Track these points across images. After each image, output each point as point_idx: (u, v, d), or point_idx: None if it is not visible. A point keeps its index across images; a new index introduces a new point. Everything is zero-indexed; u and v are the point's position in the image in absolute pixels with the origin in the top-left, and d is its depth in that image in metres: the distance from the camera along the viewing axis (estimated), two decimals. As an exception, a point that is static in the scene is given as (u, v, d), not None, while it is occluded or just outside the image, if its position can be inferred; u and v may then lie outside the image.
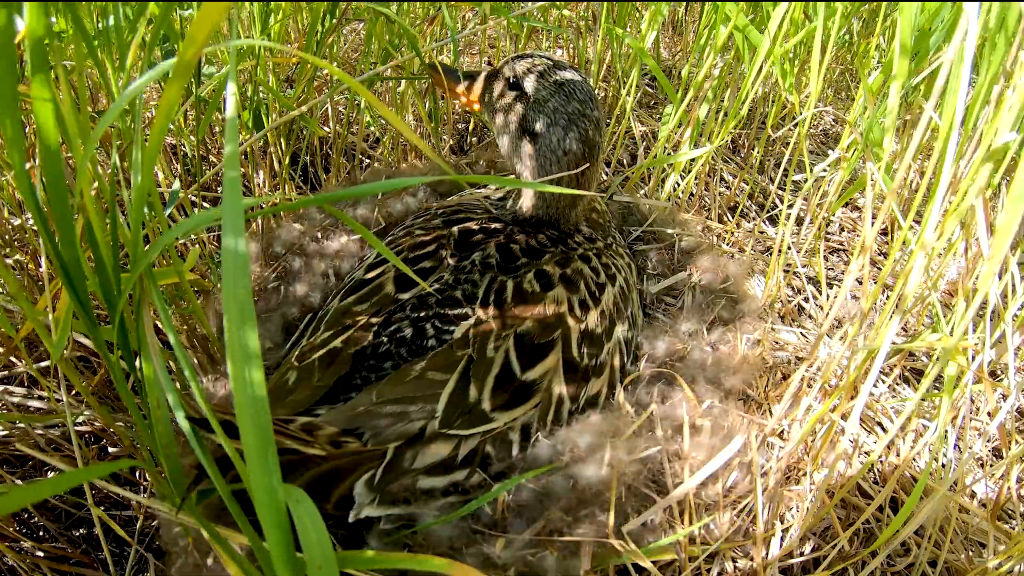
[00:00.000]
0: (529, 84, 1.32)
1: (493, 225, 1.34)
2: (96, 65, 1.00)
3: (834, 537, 1.18)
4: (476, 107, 1.48)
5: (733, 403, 1.25)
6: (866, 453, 1.38)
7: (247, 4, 1.57)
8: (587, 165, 1.33)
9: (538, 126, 1.31)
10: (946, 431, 1.20)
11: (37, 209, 0.69)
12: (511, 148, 1.39)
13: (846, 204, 2.11)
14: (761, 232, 1.95)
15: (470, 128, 2.17)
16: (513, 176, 1.44)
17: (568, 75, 1.32)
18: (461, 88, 1.49)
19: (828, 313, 1.51)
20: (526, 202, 1.40)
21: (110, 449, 1.32)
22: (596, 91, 1.38)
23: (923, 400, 1.48)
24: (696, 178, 1.87)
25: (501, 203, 1.47)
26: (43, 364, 1.32)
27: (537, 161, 1.32)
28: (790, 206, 1.95)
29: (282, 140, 1.73)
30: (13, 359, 1.34)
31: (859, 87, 1.55)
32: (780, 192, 2.08)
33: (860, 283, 1.71)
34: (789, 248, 1.79)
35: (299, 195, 1.90)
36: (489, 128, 1.92)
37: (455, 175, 0.79)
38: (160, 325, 0.73)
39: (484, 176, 0.98)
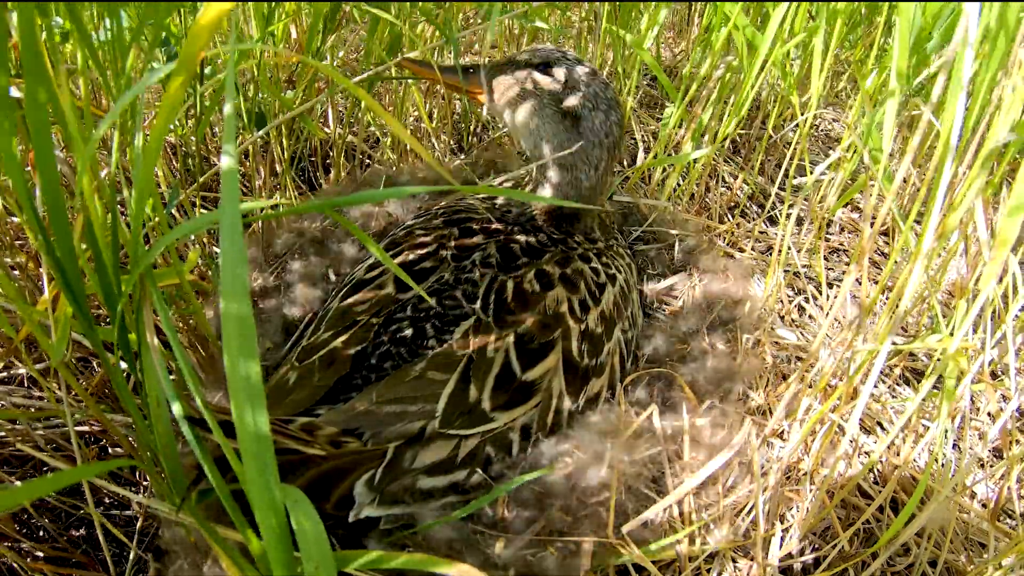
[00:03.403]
0: (562, 70, 1.35)
1: (493, 225, 1.33)
2: (97, 66, 1.00)
3: (834, 537, 1.18)
4: (479, 97, 1.46)
5: (733, 403, 1.25)
6: (866, 454, 1.38)
7: (248, 5, 1.57)
8: (618, 152, 1.38)
9: (581, 109, 1.34)
10: (946, 431, 1.20)
11: (33, 210, 0.69)
12: (542, 130, 1.37)
13: (846, 204, 2.10)
14: (761, 232, 1.95)
15: (471, 128, 2.17)
16: (528, 160, 1.43)
17: (590, 67, 1.38)
18: (453, 79, 1.47)
19: (828, 314, 1.51)
20: (552, 185, 1.39)
21: (110, 449, 1.32)
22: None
23: (923, 401, 1.48)
24: (697, 178, 1.87)
25: (505, 204, 1.45)
26: (43, 364, 1.32)
27: (579, 142, 1.34)
28: (790, 206, 1.95)
29: (282, 140, 1.73)
30: (13, 359, 1.34)
31: (858, 87, 1.55)
32: (780, 193, 2.08)
33: (860, 283, 1.71)
34: (789, 248, 1.78)
35: (299, 196, 1.90)
36: (498, 117, 1.91)
37: (460, 187, 0.79)
38: (160, 325, 0.73)
39: (493, 188, 0.98)
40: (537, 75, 1.36)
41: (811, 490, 1.19)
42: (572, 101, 1.33)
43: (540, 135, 1.37)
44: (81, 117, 0.78)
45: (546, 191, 1.39)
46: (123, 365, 0.91)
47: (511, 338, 1.09)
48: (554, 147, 1.36)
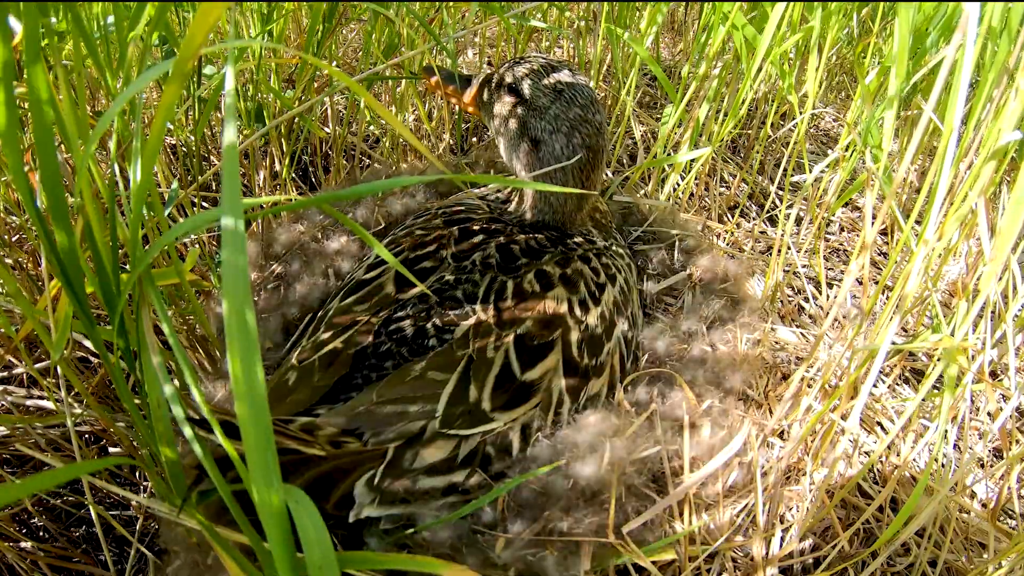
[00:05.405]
0: (528, 90, 1.32)
1: (493, 225, 1.34)
2: (95, 64, 1.00)
3: (834, 537, 1.18)
4: (471, 109, 1.48)
5: (733, 403, 1.24)
6: (866, 453, 1.38)
7: (247, 3, 1.57)
8: (591, 170, 1.33)
9: (540, 133, 1.31)
10: (946, 431, 1.20)
11: (35, 210, 0.69)
12: (511, 154, 1.38)
13: (846, 204, 2.11)
14: (761, 232, 1.95)
15: (471, 128, 2.17)
16: (513, 178, 1.44)
17: (569, 79, 1.32)
18: (452, 88, 1.49)
19: (828, 313, 1.51)
20: (527, 207, 1.40)
21: (110, 449, 1.32)
22: (596, 91, 1.37)
23: (923, 400, 1.48)
24: (696, 178, 1.87)
25: (503, 205, 1.46)
26: (43, 364, 1.31)
27: (540, 168, 1.32)
28: (790, 206, 1.95)
29: (282, 140, 1.73)
30: (13, 359, 1.34)
31: (858, 87, 1.55)
32: (780, 192, 2.08)
33: (860, 283, 1.71)
34: (789, 248, 1.78)
35: (299, 195, 1.89)
36: (488, 128, 1.91)
37: (454, 175, 0.79)
38: (160, 325, 0.73)
39: (486, 176, 0.98)
40: (506, 97, 1.36)
41: (811, 490, 1.19)
42: (531, 127, 1.32)
43: (510, 155, 1.40)
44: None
45: (524, 206, 1.41)
46: (123, 365, 0.91)
47: (511, 338, 1.09)
48: (521, 168, 1.38)
